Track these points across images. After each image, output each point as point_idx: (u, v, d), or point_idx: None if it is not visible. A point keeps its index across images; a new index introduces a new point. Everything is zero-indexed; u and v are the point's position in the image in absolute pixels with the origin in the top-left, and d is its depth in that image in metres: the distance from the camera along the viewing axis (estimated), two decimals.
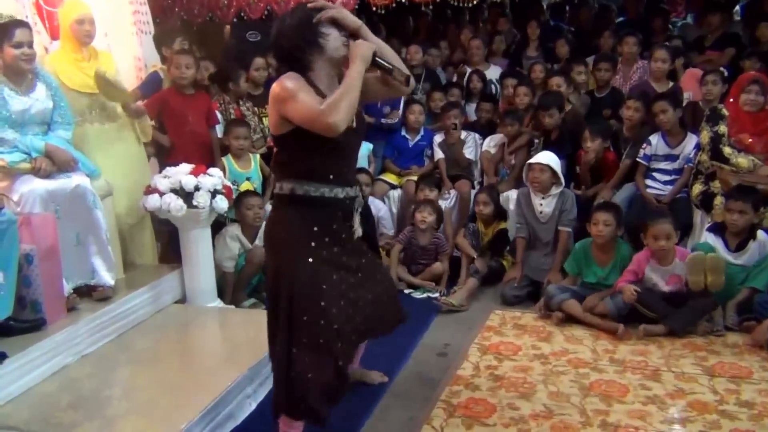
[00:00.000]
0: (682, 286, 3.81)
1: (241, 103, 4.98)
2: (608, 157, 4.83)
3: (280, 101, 2.39)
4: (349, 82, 2.40)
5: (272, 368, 2.63)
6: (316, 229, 2.52)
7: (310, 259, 2.49)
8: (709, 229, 4.04)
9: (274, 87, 2.42)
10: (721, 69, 5.14)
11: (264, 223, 2.82)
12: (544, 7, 8.25)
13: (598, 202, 4.50)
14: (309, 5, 2.48)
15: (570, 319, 3.96)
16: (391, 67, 2.53)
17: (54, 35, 4.03)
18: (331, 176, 2.53)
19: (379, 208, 5.13)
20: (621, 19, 7.31)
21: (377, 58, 2.49)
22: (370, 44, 2.48)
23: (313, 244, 2.51)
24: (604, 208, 4.14)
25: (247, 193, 4.42)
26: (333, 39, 2.47)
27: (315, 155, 2.49)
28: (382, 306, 2.73)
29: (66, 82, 3.74)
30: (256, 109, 5.08)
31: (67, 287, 3.45)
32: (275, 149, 2.62)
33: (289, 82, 2.39)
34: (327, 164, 2.53)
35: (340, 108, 2.34)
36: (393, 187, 5.43)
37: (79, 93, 3.80)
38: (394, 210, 5.33)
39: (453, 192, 5.29)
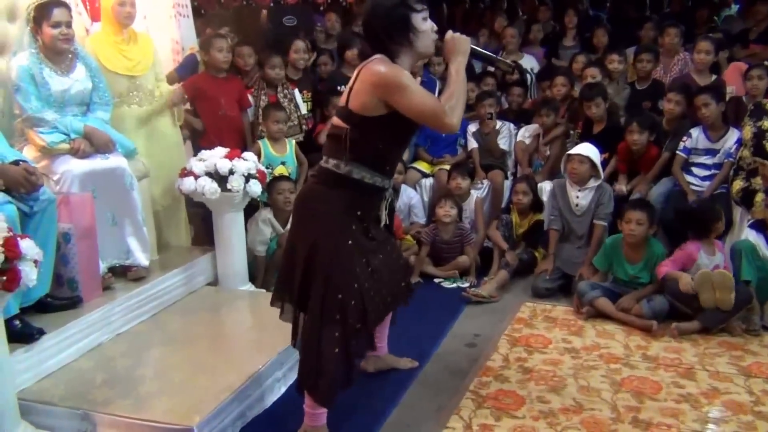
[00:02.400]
0: None
1: (279, 89, 4.98)
2: (651, 152, 4.70)
3: (385, 88, 2.38)
4: (459, 80, 2.44)
5: (296, 343, 2.74)
6: (359, 213, 2.57)
7: (350, 241, 2.53)
8: (751, 226, 3.94)
9: (372, 71, 2.40)
10: (767, 63, 5.00)
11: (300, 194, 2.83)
12: None
13: (631, 199, 4.42)
14: None
15: (601, 314, 3.91)
16: (494, 57, 2.52)
17: (95, 17, 4.08)
18: (387, 167, 2.60)
19: (411, 196, 5.11)
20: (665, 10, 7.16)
21: (476, 50, 2.49)
22: (466, 37, 2.47)
23: (354, 227, 2.55)
24: (638, 206, 4.03)
25: (280, 178, 4.44)
26: (424, 36, 2.47)
27: (389, 143, 2.54)
28: (398, 284, 2.86)
29: (105, 64, 3.78)
30: (293, 94, 5.09)
31: (103, 266, 3.51)
32: (348, 127, 2.49)
33: (393, 69, 2.39)
34: (391, 155, 2.60)
35: (458, 108, 2.41)
36: (425, 175, 5.40)
37: (117, 75, 3.84)
38: (426, 198, 5.30)
39: (486, 182, 5.25)
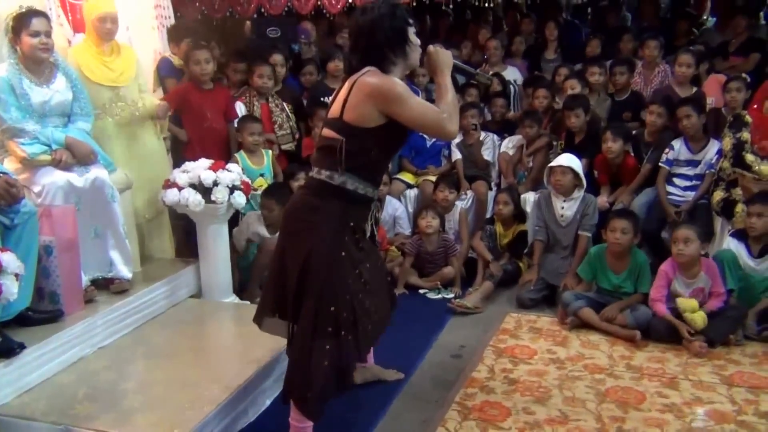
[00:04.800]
0: (704, 298, 3.76)
1: (270, 99, 4.99)
2: (628, 162, 4.77)
3: (385, 100, 2.44)
4: (450, 89, 2.54)
5: (287, 352, 2.72)
6: (352, 224, 2.58)
7: (343, 253, 2.53)
8: (732, 235, 3.98)
9: (370, 84, 2.44)
10: (744, 75, 5.08)
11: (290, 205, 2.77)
12: (564, 7, 8.20)
13: (615, 209, 4.45)
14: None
15: (586, 324, 3.93)
16: (473, 71, 2.61)
17: (77, 28, 4.05)
18: (378, 178, 2.65)
19: (396, 207, 5.12)
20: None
21: (457, 63, 2.59)
22: (447, 51, 2.57)
23: (346, 238, 2.56)
24: (622, 215, 4.06)
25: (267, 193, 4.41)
26: (417, 49, 2.58)
27: (383, 153, 2.59)
28: (386, 293, 2.89)
29: (88, 75, 3.76)
30: (283, 105, 5.09)
31: (85, 279, 3.47)
32: (342, 138, 2.49)
33: (391, 81, 2.45)
34: (383, 165, 2.69)
35: (455, 115, 2.52)
36: (409, 186, 5.41)
37: (100, 86, 3.81)
38: (411, 209, 5.31)
39: (470, 193, 5.27)
